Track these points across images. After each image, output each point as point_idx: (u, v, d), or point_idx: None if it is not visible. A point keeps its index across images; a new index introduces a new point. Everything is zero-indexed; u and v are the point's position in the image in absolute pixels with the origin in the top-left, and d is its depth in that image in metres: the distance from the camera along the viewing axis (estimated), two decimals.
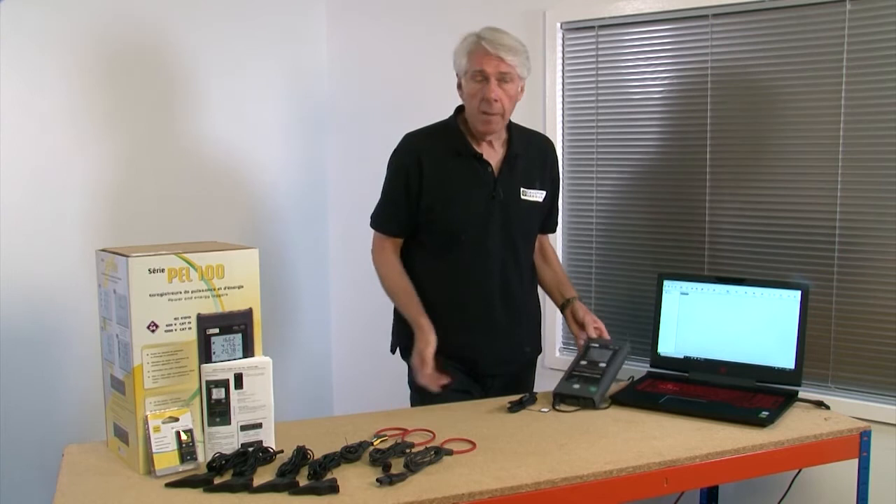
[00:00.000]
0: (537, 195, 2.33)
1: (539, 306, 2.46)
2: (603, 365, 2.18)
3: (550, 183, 2.39)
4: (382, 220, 2.33)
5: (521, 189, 2.29)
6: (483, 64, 2.15)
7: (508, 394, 2.23)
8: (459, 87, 2.25)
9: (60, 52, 2.52)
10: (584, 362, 2.21)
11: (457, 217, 2.24)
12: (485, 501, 1.59)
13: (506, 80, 2.16)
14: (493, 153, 2.28)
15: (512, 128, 2.31)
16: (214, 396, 1.72)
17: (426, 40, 3.15)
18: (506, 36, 2.18)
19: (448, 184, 2.23)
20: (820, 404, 2.13)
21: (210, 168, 2.98)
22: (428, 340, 2.17)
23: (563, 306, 2.43)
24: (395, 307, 2.37)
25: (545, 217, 2.42)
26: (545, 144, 2.42)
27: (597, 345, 2.27)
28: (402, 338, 2.37)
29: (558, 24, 2.83)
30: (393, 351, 2.40)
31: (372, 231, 2.35)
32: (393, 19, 3.24)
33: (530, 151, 2.33)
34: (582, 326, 2.35)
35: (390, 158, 2.31)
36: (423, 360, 2.16)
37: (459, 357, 2.28)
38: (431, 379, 2.16)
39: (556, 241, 2.86)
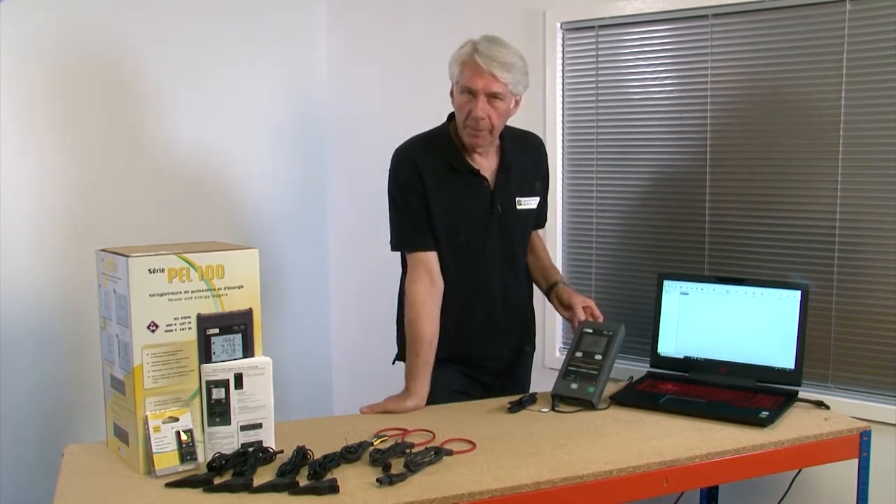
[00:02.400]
0: (531, 202, 2.31)
1: (533, 306, 2.46)
2: (599, 357, 2.16)
3: (542, 182, 2.37)
4: (407, 236, 2.21)
5: (517, 199, 2.27)
6: (473, 81, 2.07)
7: (506, 393, 2.24)
8: (452, 94, 2.19)
9: (57, 53, 2.52)
10: (579, 354, 2.19)
11: (457, 233, 2.21)
12: (485, 501, 1.59)
13: (496, 98, 2.09)
14: (488, 163, 2.24)
15: (504, 132, 2.26)
16: (214, 396, 1.72)
17: (426, 40, 3.15)
18: (503, 50, 2.09)
19: (446, 200, 2.19)
20: (820, 404, 2.13)
21: (209, 170, 2.98)
22: (405, 406, 2.10)
23: (548, 291, 2.40)
24: (398, 315, 2.36)
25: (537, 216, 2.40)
26: (536, 145, 2.39)
27: (590, 330, 2.23)
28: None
29: (558, 24, 2.83)
30: (395, 361, 2.39)
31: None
32: (393, 19, 3.24)
33: (523, 155, 2.30)
34: (570, 309, 2.31)
35: (389, 177, 2.25)
36: (383, 408, 2.11)
37: (461, 359, 2.28)
38: (367, 410, 2.11)
39: (556, 241, 2.87)
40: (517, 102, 2.18)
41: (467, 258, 2.24)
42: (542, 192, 2.38)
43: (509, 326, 2.33)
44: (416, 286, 2.18)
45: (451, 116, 2.26)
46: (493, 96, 2.09)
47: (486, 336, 2.29)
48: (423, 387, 2.14)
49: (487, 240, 2.24)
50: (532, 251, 2.45)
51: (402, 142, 2.28)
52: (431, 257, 2.20)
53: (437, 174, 2.19)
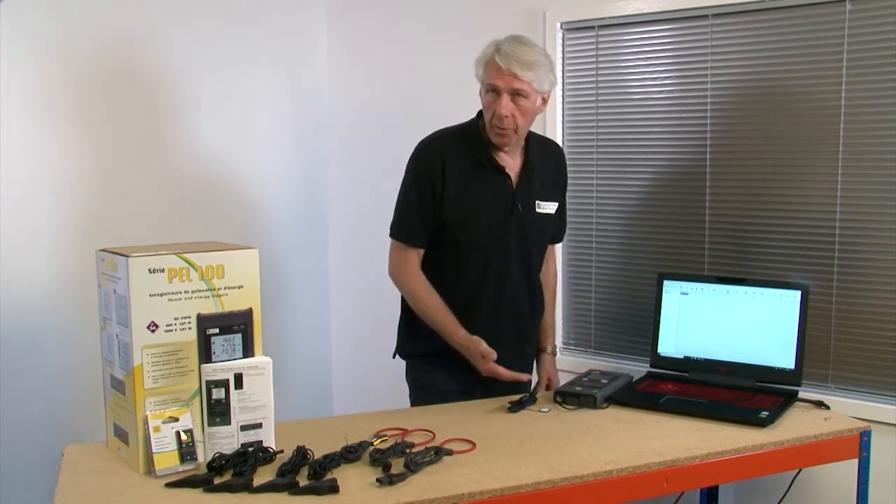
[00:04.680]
0: (550, 207, 2.32)
1: (541, 313, 2.45)
2: (605, 381, 2.22)
3: (561, 192, 2.38)
4: (405, 229, 2.26)
5: (537, 202, 2.28)
6: (495, 79, 2.11)
7: (508, 394, 2.23)
8: (481, 94, 2.21)
9: (58, 55, 2.52)
10: (585, 379, 2.26)
11: (475, 230, 2.22)
12: (485, 501, 1.59)
13: (520, 96, 2.11)
14: (512, 163, 2.25)
15: (529, 136, 2.28)
16: (214, 396, 1.72)
17: (427, 40, 3.15)
18: (525, 49, 2.11)
19: (468, 195, 2.20)
20: (820, 404, 2.13)
21: (209, 170, 2.98)
22: (485, 353, 2.17)
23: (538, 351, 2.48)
24: (401, 313, 2.37)
25: (555, 227, 2.40)
26: (557, 153, 2.41)
27: (598, 371, 2.35)
28: (407, 345, 2.37)
29: (558, 24, 2.83)
30: (395, 356, 2.40)
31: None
32: (393, 19, 3.24)
33: (546, 161, 2.32)
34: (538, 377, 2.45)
35: (410, 164, 2.26)
36: (494, 372, 2.18)
37: (463, 358, 2.27)
38: (515, 374, 2.20)
39: None
40: (545, 101, 2.20)
41: (480, 260, 2.23)
42: (561, 201, 2.39)
43: (513, 328, 2.32)
44: (408, 269, 2.25)
45: (480, 113, 2.27)
46: (516, 94, 2.11)
47: (489, 337, 2.27)
48: (466, 333, 2.19)
49: (506, 238, 2.24)
50: (543, 282, 2.44)
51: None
52: (420, 253, 2.26)
53: (460, 169, 2.20)
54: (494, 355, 2.16)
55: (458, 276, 2.24)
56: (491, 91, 2.13)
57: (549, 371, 2.45)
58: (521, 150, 2.28)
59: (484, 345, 2.16)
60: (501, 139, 2.18)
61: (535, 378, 2.47)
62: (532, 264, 2.32)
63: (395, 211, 2.28)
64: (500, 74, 2.10)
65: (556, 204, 2.34)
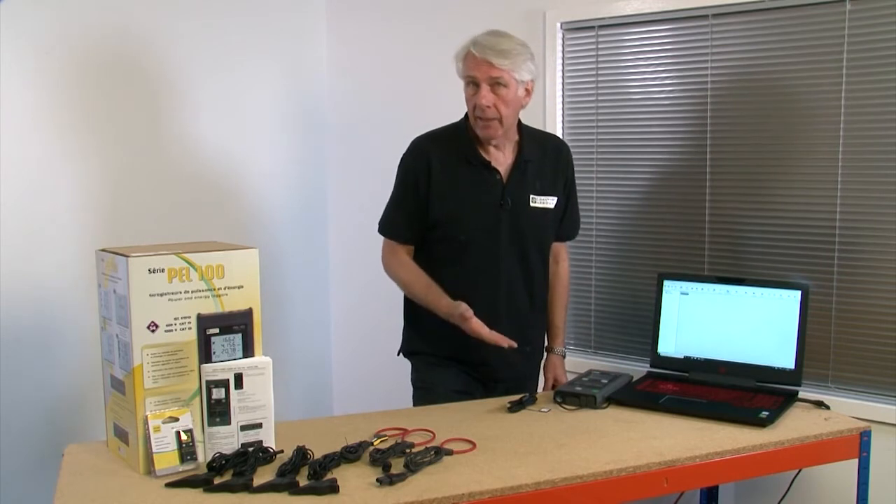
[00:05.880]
0: (548, 201, 2.30)
1: (544, 312, 2.44)
2: (605, 381, 2.22)
3: (564, 187, 2.36)
4: (393, 226, 2.30)
5: (531, 196, 2.27)
6: (472, 70, 2.13)
7: (509, 394, 2.23)
8: (464, 90, 2.23)
9: (58, 52, 2.52)
10: (585, 378, 2.26)
11: (465, 226, 2.22)
12: (485, 501, 1.59)
13: (500, 84, 2.12)
14: (503, 159, 2.25)
15: (524, 132, 2.28)
16: (214, 396, 1.72)
17: (426, 40, 3.15)
18: (500, 39, 2.14)
19: (456, 192, 2.21)
20: (820, 404, 2.13)
21: (208, 169, 2.98)
22: (463, 312, 2.10)
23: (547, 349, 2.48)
24: (404, 311, 2.37)
25: (560, 223, 2.38)
26: (559, 148, 2.38)
27: (598, 371, 2.34)
28: (409, 343, 2.37)
29: (558, 24, 2.83)
30: (399, 354, 2.40)
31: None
32: (393, 19, 3.24)
33: (543, 156, 2.30)
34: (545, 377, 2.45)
35: (400, 163, 2.28)
36: (476, 331, 2.12)
37: (462, 359, 2.28)
38: (497, 336, 2.13)
39: None
40: (528, 92, 2.20)
41: (473, 258, 2.23)
42: (566, 196, 2.37)
43: (512, 326, 2.29)
44: (397, 258, 2.27)
45: None
46: (495, 83, 2.12)
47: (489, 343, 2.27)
48: (449, 300, 2.16)
49: (497, 234, 2.24)
50: (553, 289, 2.43)
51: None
52: (409, 249, 2.29)
53: (448, 166, 2.22)
54: (471, 313, 2.10)
55: (453, 273, 2.24)
56: (471, 84, 2.16)
57: (557, 372, 2.44)
58: (515, 145, 2.28)
59: (463, 306, 2.12)
60: (486, 131, 2.18)
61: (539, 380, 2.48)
62: (530, 261, 2.31)
63: (385, 209, 2.32)
64: (476, 65, 2.12)
65: (556, 198, 2.32)
